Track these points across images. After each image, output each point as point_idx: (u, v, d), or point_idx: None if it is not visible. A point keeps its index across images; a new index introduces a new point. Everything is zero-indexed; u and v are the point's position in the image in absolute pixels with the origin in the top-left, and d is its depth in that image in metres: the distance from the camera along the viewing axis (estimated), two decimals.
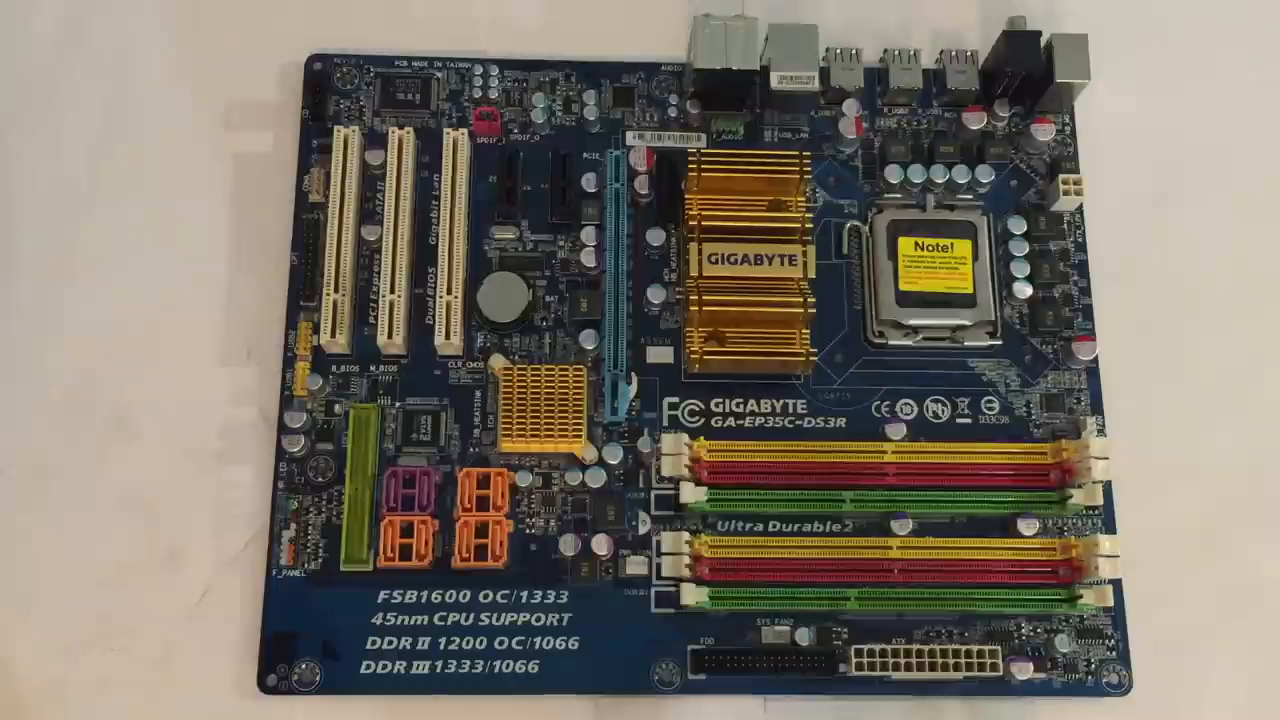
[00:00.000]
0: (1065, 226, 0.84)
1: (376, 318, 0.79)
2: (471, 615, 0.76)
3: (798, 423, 0.80)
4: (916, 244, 0.82)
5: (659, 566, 0.77)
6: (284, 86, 0.85)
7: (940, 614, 0.77)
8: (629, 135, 0.84)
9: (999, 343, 0.81)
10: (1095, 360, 0.82)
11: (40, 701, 0.76)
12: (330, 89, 0.84)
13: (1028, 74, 0.83)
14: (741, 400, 0.80)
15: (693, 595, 0.75)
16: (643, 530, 0.78)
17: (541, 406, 0.77)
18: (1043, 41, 0.83)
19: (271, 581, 0.77)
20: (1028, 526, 0.78)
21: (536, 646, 0.76)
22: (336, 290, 0.79)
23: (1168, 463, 0.82)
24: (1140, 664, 0.77)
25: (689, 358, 0.78)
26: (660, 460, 0.77)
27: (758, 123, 0.85)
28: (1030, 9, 0.86)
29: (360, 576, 0.77)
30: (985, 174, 0.83)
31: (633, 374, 0.80)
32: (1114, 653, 0.77)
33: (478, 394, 0.80)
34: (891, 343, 0.81)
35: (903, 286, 0.81)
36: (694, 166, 0.80)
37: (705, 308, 0.78)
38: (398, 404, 0.79)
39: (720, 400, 0.80)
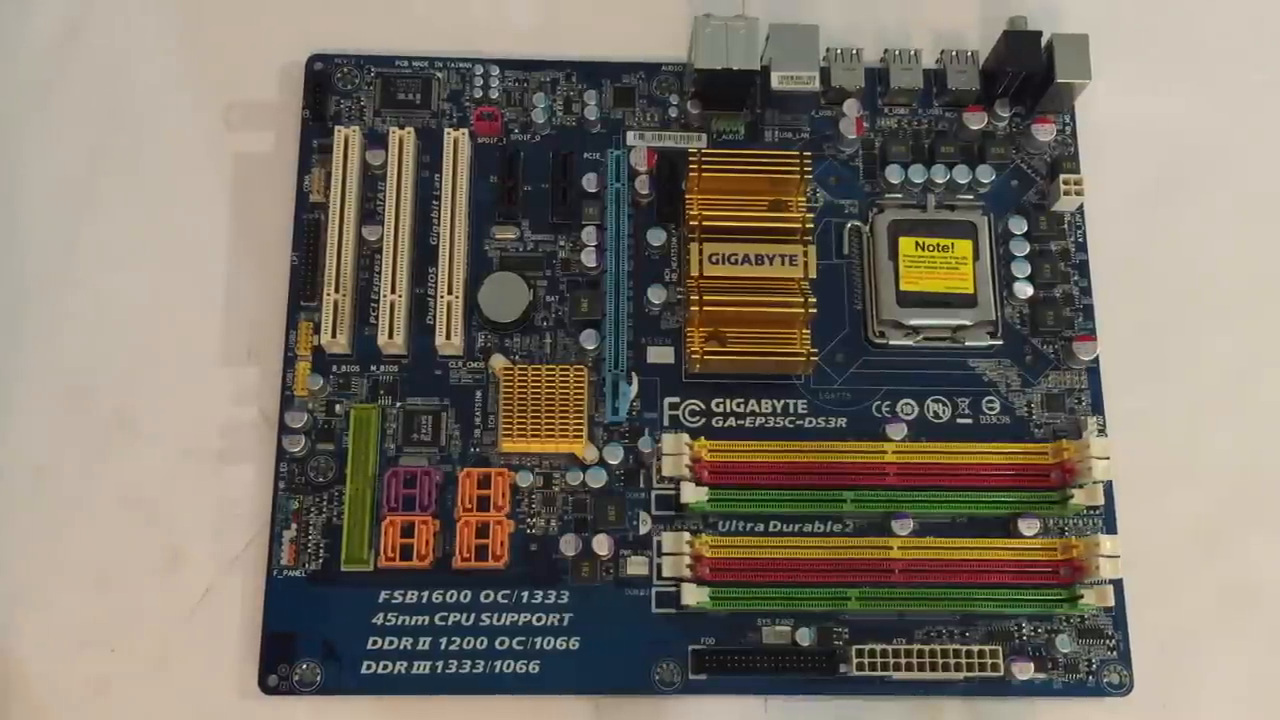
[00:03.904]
0: (1066, 226, 0.84)
1: (377, 318, 0.79)
2: (472, 615, 0.76)
3: (798, 423, 0.80)
4: (917, 244, 0.82)
5: (659, 567, 0.77)
6: (284, 86, 0.85)
7: (941, 614, 0.77)
8: (630, 135, 0.84)
9: (999, 343, 0.81)
10: (1096, 360, 0.82)
11: (40, 701, 0.76)
12: (331, 89, 0.84)
13: (1028, 74, 0.83)
14: (742, 400, 0.80)
15: (693, 595, 0.75)
16: (643, 530, 0.78)
17: (542, 406, 0.77)
18: (1043, 41, 0.83)
19: (272, 581, 0.76)
20: (1028, 527, 0.77)
21: (537, 647, 0.76)
22: (337, 290, 0.79)
23: (1168, 463, 0.82)
24: (1141, 664, 0.77)
25: (690, 358, 0.78)
26: (661, 460, 0.77)
27: (758, 123, 0.85)
28: (1030, 9, 0.86)
29: (361, 576, 0.76)
30: (986, 174, 0.83)
31: (633, 374, 0.80)
32: (1115, 653, 0.77)
33: (478, 394, 0.80)
34: (892, 343, 0.81)
35: (903, 286, 0.81)
36: (694, 166, 0.79)
37: (706, 308, 0.78)
38: (398, 404, 0.79)
39: (721, 400, 0.80)
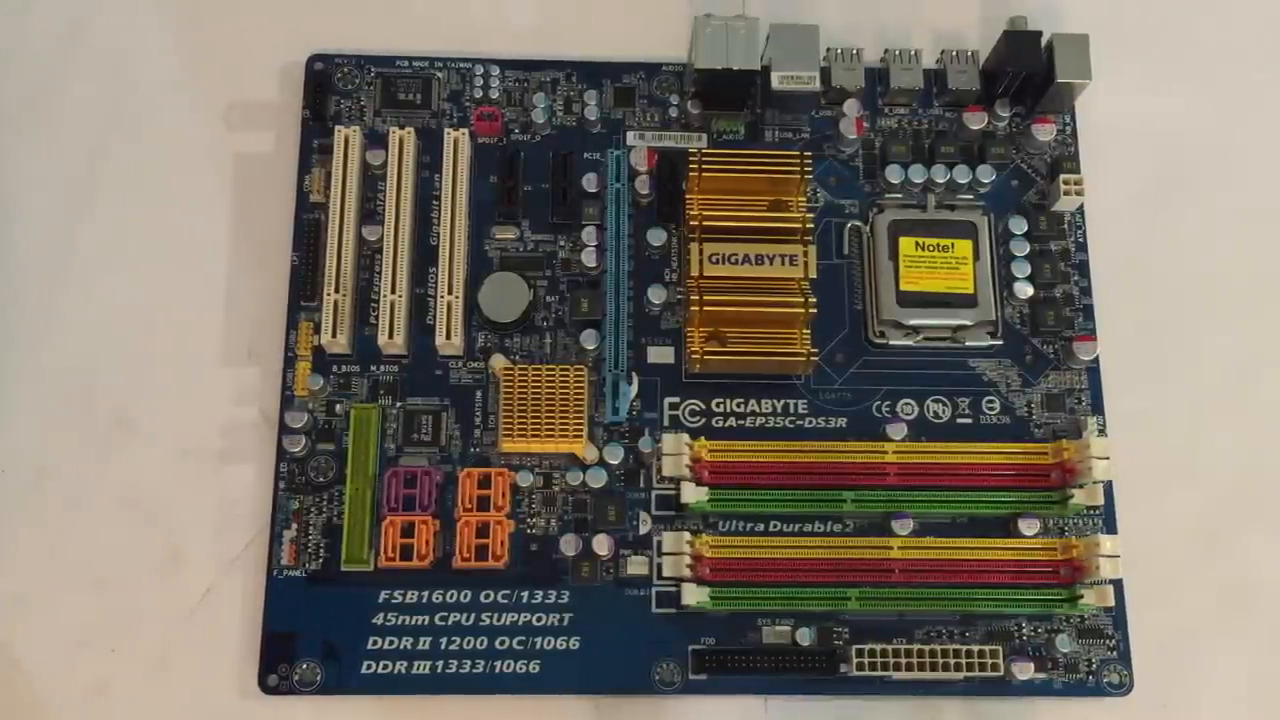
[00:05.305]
0: (1066, 226, 0.84)
1: (377, 318, 0.79)
2: (472, 615, 0.76)
3: (798, 423, 0.80)
4: (917, 244, 0.82)
5: (660, 566, 0.77)
6: (285, 86, 0.85)
7: (941, 614, 0.77)
8: (630, 135, 0.84)
9: (1000, 343, 0.81)
10: (1096, 360, 0.82)
11: (40, 701, 0.76)
12: (331, 89, 0.84)
13: (1028, 74, 0.83)
14: (742, 400, 0.80)
15: (694, 595, 0.75)
16: (643, 530, 0.78)
17: (542, 406, 0.77)
18: (1043, 41, 0.83)
19: (272, 581, 0.76)
20: (1028, 526, 0.78)
21: (537, 646, 0.76)
22: (337, 290, 0.79)
23: (1168, 463, 0.82)
24: (1141, 664, 0.77)
25: (690, 358, 0.78)
26: (661, 460, 0.77)
27: (758, 123, 0.85)
28: (1030, 9, 0.86)
29: (361, 576, 0.76)
30: (986, 174, 0.83)
31: (633, 374, 0.80)
32: (1115, 653, 0.77)
33: (478, 394, 0.80)
34: (892, 343, 0.81)
35: (903, 286, 0.81)
36: (695, 166, 0.79)
37: (706, 308, 0.78)
38: (398, 404, 0.79)
39: (721, 400, 0.80)
